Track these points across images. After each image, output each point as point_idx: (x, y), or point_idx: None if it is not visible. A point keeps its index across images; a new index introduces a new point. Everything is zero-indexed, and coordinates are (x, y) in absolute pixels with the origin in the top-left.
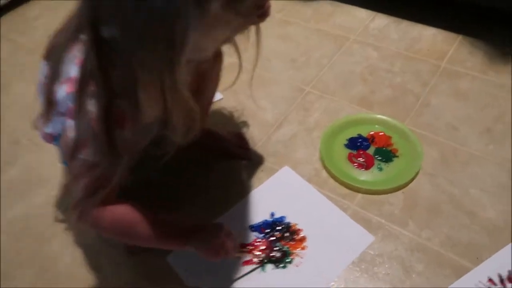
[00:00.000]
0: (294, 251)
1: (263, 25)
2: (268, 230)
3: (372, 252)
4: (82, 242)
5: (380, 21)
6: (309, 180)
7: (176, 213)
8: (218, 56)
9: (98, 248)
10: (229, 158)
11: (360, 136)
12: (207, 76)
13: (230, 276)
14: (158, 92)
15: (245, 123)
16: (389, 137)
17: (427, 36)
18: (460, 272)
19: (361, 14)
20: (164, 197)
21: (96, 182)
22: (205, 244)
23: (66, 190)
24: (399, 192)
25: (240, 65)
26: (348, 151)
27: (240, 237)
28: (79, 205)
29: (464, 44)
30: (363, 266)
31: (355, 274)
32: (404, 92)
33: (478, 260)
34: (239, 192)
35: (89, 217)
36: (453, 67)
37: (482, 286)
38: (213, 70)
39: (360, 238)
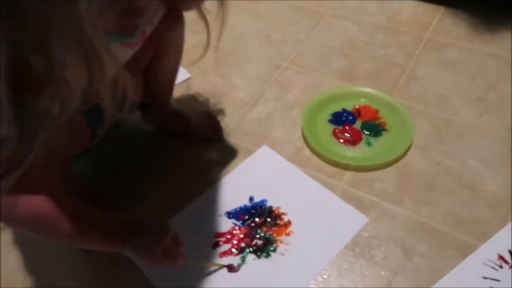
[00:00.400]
0: (278, 237)
1: (235, 3)
2: (247, 216)
3: (366, 234)
4: (27, 242)
5: None
6: (291, 160)
7: (140, 205)
8: (174, 20)
9: (48, 247)
10: (199, 141)
11: (344, 111)
12: (163, 44)
13: (203, 272)
14: (75, 48)
15: (216, 103)
16: (376, 110)
17: (408, 9)
18: (466, 251)
19: None
20: (125, 187)
21: (4, 163)
22: (145, 248)
23: None
24: (391, 168)
25: (208, 37)
26: (332, 126)
27: (214, 226)
28: None
29: (447, 15)
30: (357, 250)
31: (349, 259)
32: (388, 64)
33: (484, 236)
34: (212, 177)
35: None
36: (438, 37)
37: (492, 265)
38: (170, 37)
39: (351, 220)
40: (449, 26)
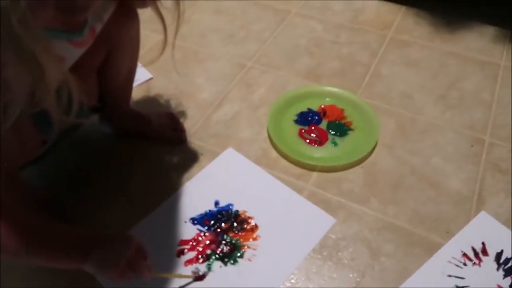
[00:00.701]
0: (245, 243)
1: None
2: (213, 222)
3: (333, 236)
4: None
5: None
6: (257, 161)
7: (98, 214)
8: (127, 16)
9: None
10: (161, 143)
11: (310, 110)
12: (117, 42)
13: (168, 283)
14: (9, 46)
15: (179, 104)
16: (342, 110)
17: (371, 8)
18: (432, 249)
19: None
20: (82, 195)
21: None
22: (108, 262)
23: None
24: (358, 167)
25: (165, 34)
26: (298, 127)
27: (178, 233)
28: None
29: (408, 14)
30: (325, 253)
31: (317, 262)
32: (353, 63)
33: (448, 234)
34: (175, 182)
35: None
36: (401, 36)
37: (456, 262)
38: (123, 34)
39: (319, 222)
40: (411, 25)
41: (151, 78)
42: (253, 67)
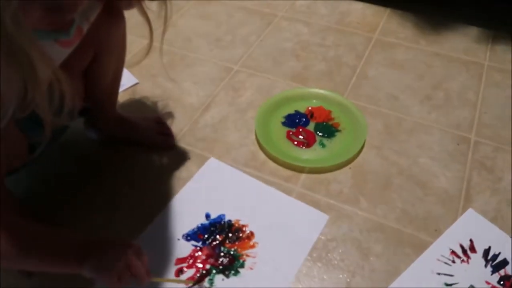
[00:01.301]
0: (244, 251)
1: (183, 4)
2: (207, 235)
3: (323, 237)
4: None
5: None
6: (245, 165)
7: (80, 228)
8: (113, 17)
9: None
10: (148, 149)
11: (298, 112)
12: (103, 43)
13: None
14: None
15: (166, 108)
16: (329, 111)
17: (356, 10)
18: (421, 248)
19: None
20: (66, 208)
21: None
22: (106, 265)
23: None
24: (346, 168)
25: (151, 37)
26: (286, 129)
27: (173, 251)
28: None
29: (393, 16)
30: (314, 255)
31: (306, 264)
32: (339, 65)
33: (437, 232)
34: (163, 188)
35: None
36: (386, 38)
37: (445, 260)
38: (109, 35)
39: (313, 220)
40: (396, 27)
41: (137, 83)
42: (240, 70)
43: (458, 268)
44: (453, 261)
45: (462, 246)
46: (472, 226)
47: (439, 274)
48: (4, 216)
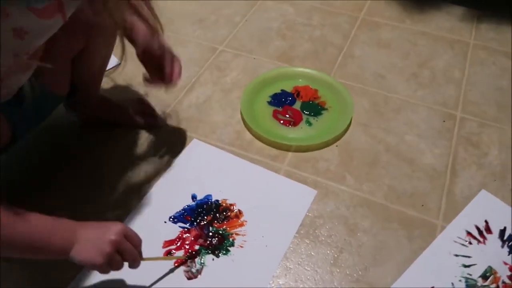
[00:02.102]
0: (233, 230)
1: None
2: (194, 216)
3: (310, 214)
4: None
5: None
6: (231, 144)
7: (67, 214)
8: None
9: None
10: (133, 130)
11: (284, 92)
12: (94, 31)
13: (162, 282)
14: None
15: (150, 89)
16: (316, 90)
17: None
18: (408, 223)
19: None
20: (48, 192)
21: None
22: (94, 248)
23: None
24: (333, 146)
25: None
26: (272, 108)
27: (160, 234)
28: None
29: None
30: (302, 232)
31: (294, 241)
32: (325, 44)
33: (423, 208)
34: (151, 171)
35: None
36: (372, 18)
37: (462, 242)
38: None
39: (301, 195)
40: (381, 6)
41: (119, 64)
42: (224, 51)
43: (475, 249)
44: (470, 243)
45: (477, 228)
46: (486, 207)
47: (456, 255)
48: None
